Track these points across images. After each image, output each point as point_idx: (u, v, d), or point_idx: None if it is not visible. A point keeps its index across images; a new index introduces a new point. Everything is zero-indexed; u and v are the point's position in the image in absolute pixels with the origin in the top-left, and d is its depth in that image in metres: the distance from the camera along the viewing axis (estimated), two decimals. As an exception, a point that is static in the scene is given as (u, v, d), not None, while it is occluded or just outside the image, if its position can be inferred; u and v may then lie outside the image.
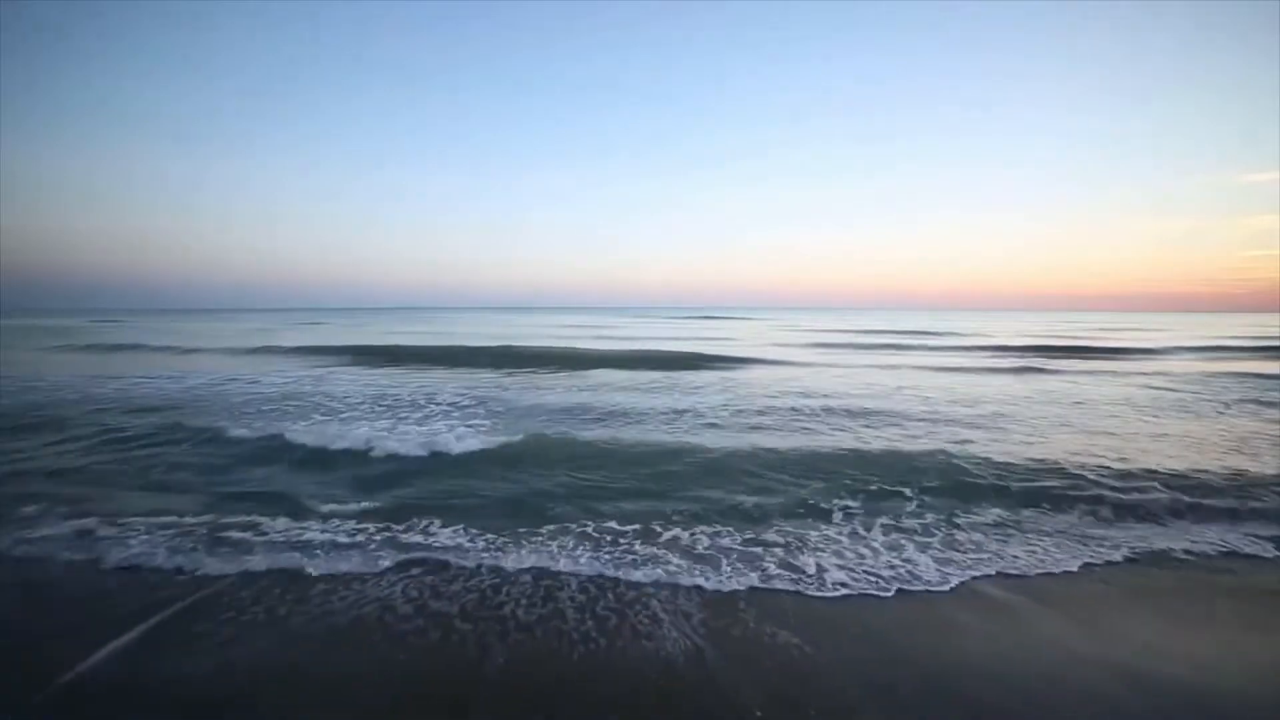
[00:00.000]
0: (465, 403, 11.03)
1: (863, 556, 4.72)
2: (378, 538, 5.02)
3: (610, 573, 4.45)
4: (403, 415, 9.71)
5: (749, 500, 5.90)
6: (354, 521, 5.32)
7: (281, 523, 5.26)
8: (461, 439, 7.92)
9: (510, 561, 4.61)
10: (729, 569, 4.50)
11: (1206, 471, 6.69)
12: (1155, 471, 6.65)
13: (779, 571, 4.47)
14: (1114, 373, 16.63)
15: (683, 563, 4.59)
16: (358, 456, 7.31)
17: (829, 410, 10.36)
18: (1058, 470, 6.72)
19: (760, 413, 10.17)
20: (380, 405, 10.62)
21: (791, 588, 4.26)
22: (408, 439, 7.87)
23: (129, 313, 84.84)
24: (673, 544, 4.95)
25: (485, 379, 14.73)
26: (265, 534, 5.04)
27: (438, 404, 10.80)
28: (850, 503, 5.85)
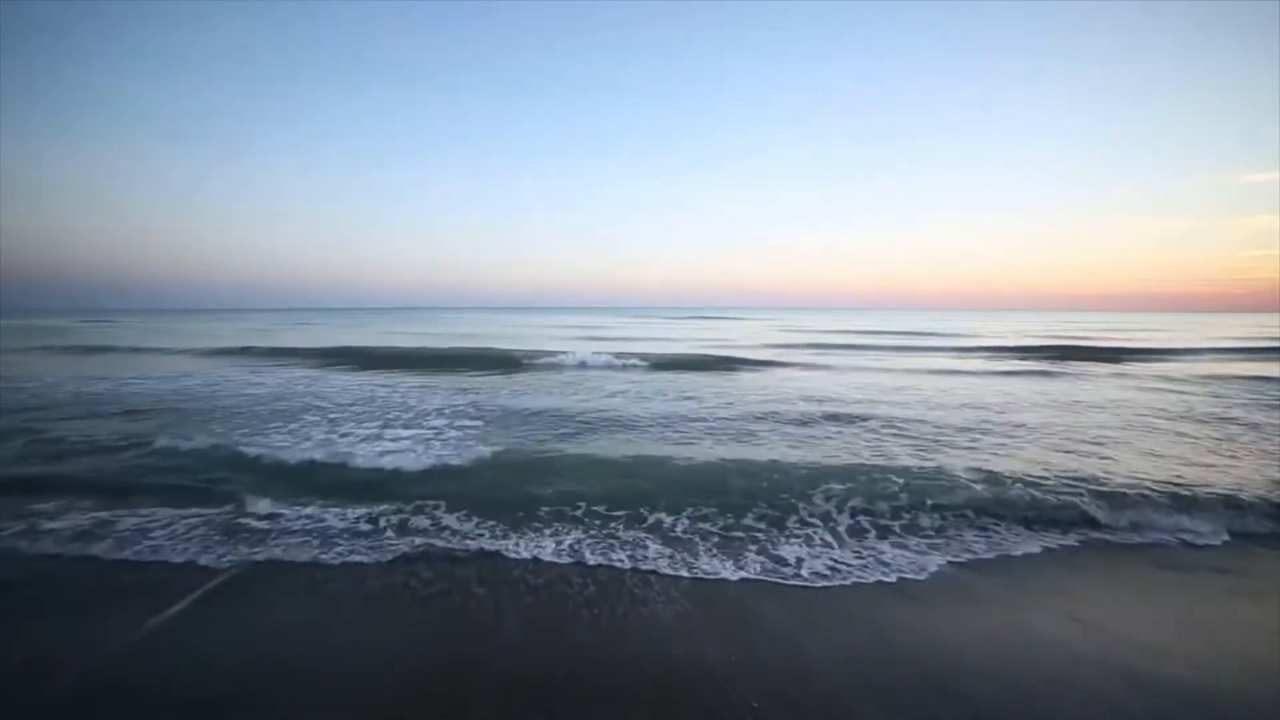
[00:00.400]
0: (457, 406, 10.87)
1: (830, 546, 4.97)
2: (381, 535, 5.10)
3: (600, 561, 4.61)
4: (392, 417, 9.62)
5: (736, 503, 5.90)
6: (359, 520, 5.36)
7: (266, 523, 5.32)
8: (453, 450, 7.69)
9: (510, 550, 4.79)
10: (717, 563, 4.65)
11: (1192, 476, 6.67)
12: (1142, 477, 6.57)
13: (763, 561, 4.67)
14: (1123, 375, 16.40)
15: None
16: (337, 468, 7.01)
17: (833, 417, 10.10)
18: (1043, 473, 6.69)
19: (758, 418, 10.07)
20: (367, 410, 10.36)
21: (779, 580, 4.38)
22: (395, 448, 7.71)
23: (129, 313, 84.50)
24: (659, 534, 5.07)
25: (474, 382, 14.60)
26: (252, 532, 5.09)
27: (428, 408, 10.59)
28: (839, 505, 5.83)
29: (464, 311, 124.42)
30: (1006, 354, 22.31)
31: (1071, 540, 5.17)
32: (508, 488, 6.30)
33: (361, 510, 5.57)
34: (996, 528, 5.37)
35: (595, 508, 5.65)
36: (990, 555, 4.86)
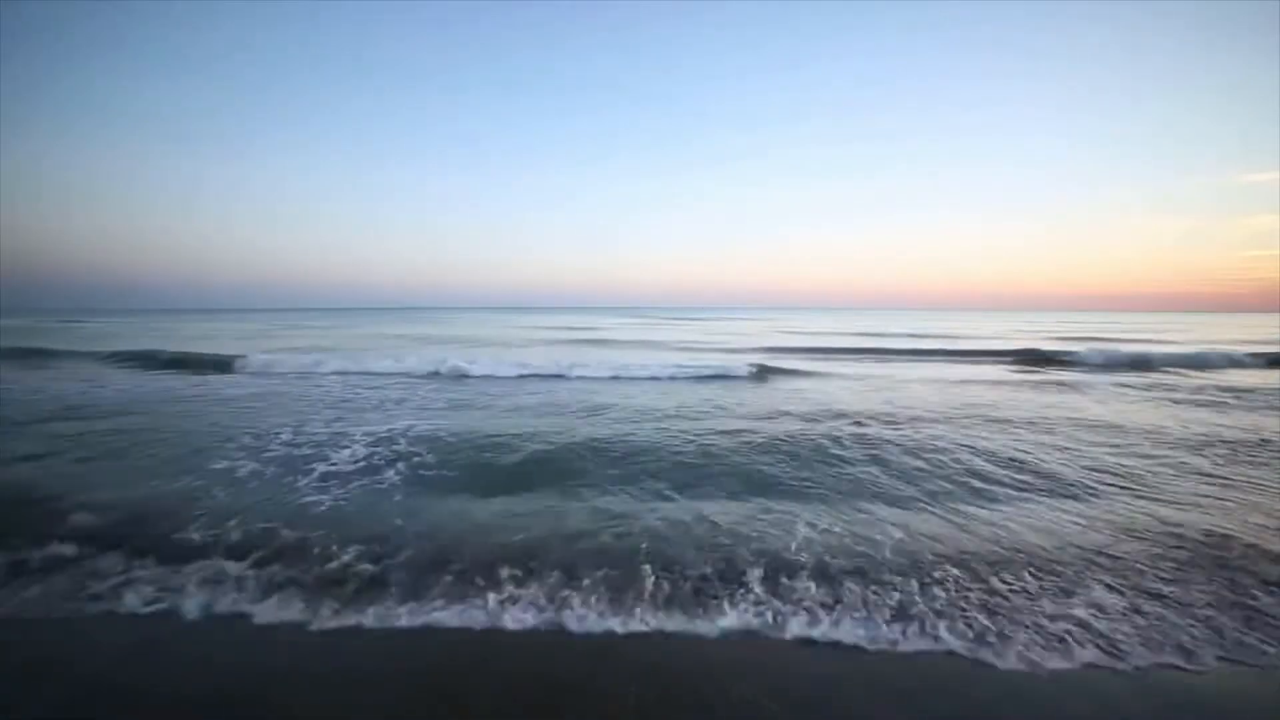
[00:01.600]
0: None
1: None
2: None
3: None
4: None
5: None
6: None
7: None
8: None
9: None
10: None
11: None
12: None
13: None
14: (1165, 386, 14.22)
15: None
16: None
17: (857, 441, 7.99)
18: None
19: (758, 446, 7.76)
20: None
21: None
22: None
23: (116, 313, 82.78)
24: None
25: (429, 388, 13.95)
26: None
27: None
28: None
29: (463, 311, 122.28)
30: (1015, 360, 20.34)
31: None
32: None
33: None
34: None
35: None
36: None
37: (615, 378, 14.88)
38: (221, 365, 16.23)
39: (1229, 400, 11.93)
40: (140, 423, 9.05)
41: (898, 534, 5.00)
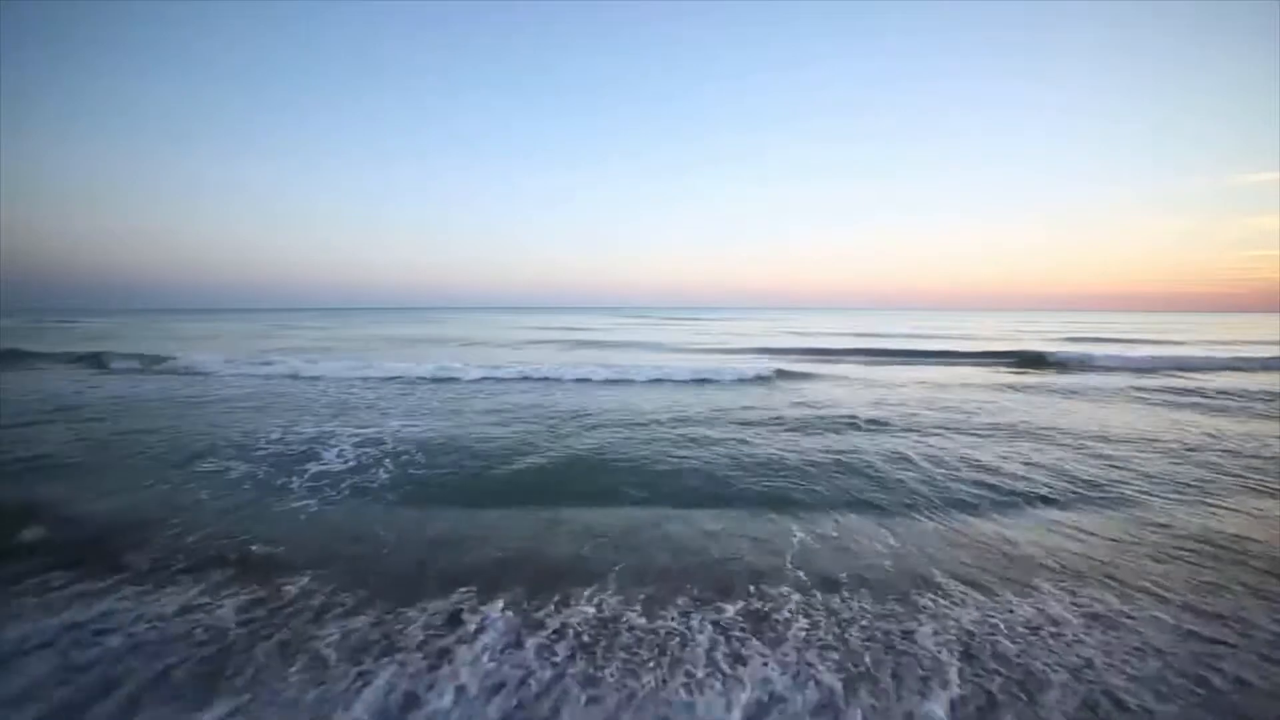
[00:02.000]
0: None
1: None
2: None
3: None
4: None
5: None
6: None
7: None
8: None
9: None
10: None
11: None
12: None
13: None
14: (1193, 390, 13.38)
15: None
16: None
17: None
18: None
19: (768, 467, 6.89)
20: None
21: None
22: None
23: (128, 313, 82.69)
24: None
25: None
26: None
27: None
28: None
29: (462, 312, 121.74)
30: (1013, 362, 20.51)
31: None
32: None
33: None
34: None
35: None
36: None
37: (611, 380, 14.70)
38: (203, 370, 15.83)
39: (1230, 404, 11.77)
40: (102, 427, 8.76)
41: (902, 549, 4.72)
